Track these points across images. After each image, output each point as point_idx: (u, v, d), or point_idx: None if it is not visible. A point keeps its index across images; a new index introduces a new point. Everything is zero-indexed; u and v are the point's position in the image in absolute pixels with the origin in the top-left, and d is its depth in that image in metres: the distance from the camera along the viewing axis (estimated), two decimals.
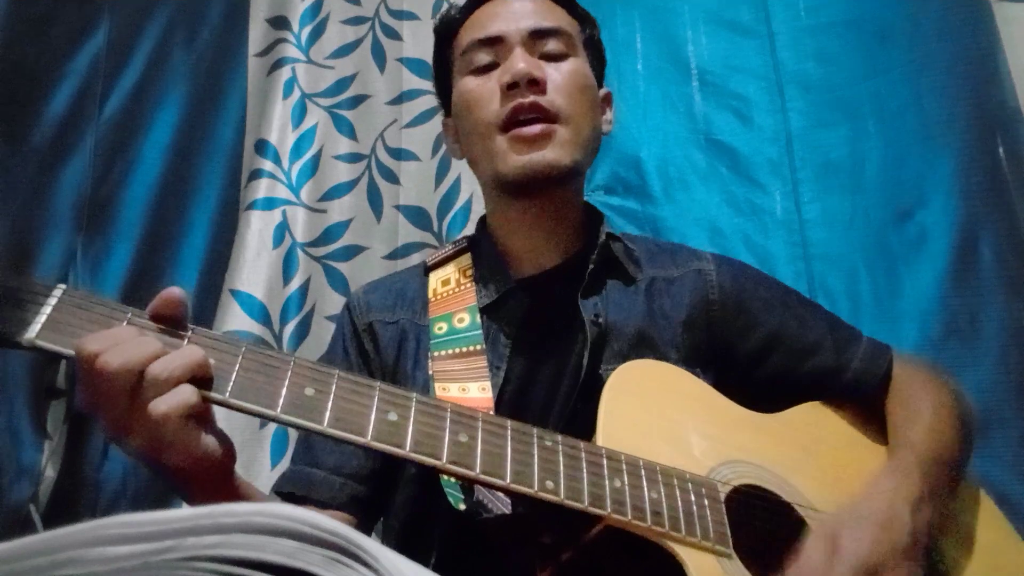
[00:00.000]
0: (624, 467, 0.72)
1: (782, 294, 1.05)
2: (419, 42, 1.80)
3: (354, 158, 1.75)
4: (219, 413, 0.67)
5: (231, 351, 0.65)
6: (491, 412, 0.86)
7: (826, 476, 0.86)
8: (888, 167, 1.54)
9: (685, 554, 0.70)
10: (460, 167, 1.71)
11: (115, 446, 0.69)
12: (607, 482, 0.70)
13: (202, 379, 0.63)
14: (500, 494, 0.79)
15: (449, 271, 1.04)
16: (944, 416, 0.92)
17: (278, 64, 1.79)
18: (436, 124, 1.74)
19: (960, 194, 1.46)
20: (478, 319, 0.96)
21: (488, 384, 0.90)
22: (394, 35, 1.83)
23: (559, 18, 1.02)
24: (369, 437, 0.65)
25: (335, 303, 1.62)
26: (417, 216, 1.71)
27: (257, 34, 1.81)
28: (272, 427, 1.52)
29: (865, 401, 0.98)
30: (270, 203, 1.68)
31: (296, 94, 1.77)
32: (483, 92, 0.97)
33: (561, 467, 0.70)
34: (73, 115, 1.68)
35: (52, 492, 1.45)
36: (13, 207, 1.55)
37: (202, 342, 0.65)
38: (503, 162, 0.95)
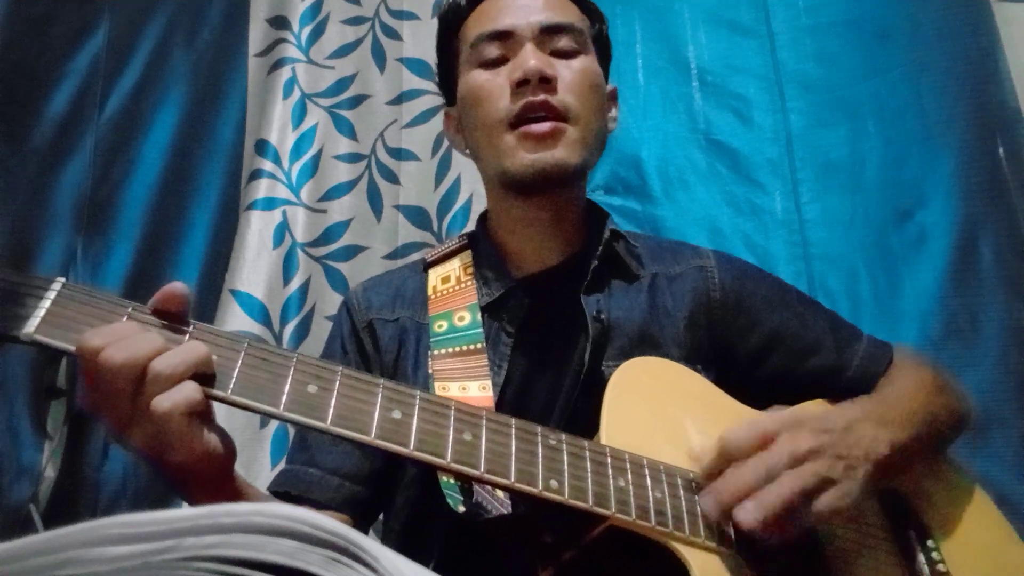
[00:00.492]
0: (628, 466, 0.72)
1: (783, 292, 1.04)
2: (419, 42, 1.80)
3: (354, 158, 1.75)
4: (219, 411, 0.66)
5: (233, 347, 0.65)
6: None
7: None
8: (888, 167, 1.54)
9: (688, 554, 0.69)
10: (460, 167, 1.71)
11: (116, 443, 0.69)
12: (611, 481, 0.70)
13: (204, 376, 0.63)
14: (499, 496, 0.79)
15: (449, 268, 1.03)
16: (922, 385, 0.93)
17: (278, 64, 1.79)
18: (436, 124, 1.74)
19: (960, 194, 1.46)
20: (479, 317, 0.95)
21: (488, 383, 0.89)
22: (394, 35, 1.83)
23: (570, 13, 1.01)
24: (372, 435, 0.64)
25: (335, 303, 1.62)
26: (417, 216, 1.71)
27: (257, 34, 1.81)
28: (272, 427, 1.52)
29: None
30: (270, 203, 1.68)
31: (296, 94, 1.77)
32: (492, 88, 0.95)
33: (565, 466, 0.69)
34: (73, 115, 1.68)
35: (52, 492, 1.45)
36: (13, 207, 1.55)
37: (204, 338, 0.65)
38: (510, 159, 0.93)
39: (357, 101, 1.79)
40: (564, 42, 0.97)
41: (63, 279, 0.63)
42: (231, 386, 0.63)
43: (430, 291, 1.01)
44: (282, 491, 0.93)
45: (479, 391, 0.88)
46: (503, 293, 0.97)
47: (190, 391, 0.61)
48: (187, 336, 0.65)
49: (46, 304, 0.62)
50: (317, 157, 1.73)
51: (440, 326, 0.96)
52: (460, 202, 1.70)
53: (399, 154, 1.76)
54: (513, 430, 0.70)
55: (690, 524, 0.71)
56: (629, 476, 0.71)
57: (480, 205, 1.59)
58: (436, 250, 1.07)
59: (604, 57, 1.06)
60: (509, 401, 0.91)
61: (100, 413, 0.63)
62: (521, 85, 0.93)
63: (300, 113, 1.76)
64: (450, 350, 0.93)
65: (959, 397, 0.96)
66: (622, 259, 1.00)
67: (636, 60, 1.71)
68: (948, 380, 0.98)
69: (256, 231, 1.65)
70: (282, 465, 0.99)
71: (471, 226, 1.19)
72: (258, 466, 1.49)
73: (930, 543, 0.85)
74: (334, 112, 1.78)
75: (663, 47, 1.71)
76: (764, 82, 1.65)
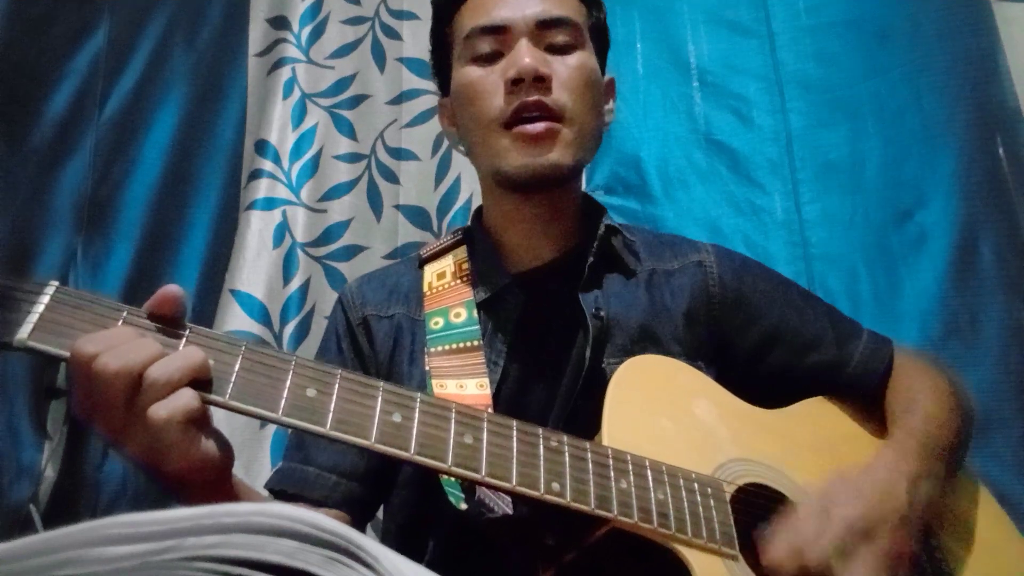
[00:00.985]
0: (630, 467, 0.72)
1: (783, 288, 1.04)
2: (419, 42, 1.80)
3: (354, 158, 1.75)
4: (218, 414, 0.65)
5: (230, 351, 0.64)
6: (489, 409, 0.85)
7: (830, 473, 0.86)
8: (888, 167, 1.54)
9: (691, 556, 0.69)
10: (460, 167, 1.71)
11: (112, 450, 0.68)
12: (613, 483, 0.70)
13: (201, 381, 0.62)
14: (502, 493, 0.79)
15: (444, 264, 1.02)
16: (942, 404, 0.92)
17: (278, 64, 1.79)
18: (436, 124, 1.73)
19: (960, 194, 1.46)
20: (475, 314, 0.94)
21: (486, 381, 0.88)
22: (394, 35, 1.83)
23: (567, 6, 0.97)
24: (372, 440, 0.63)
25: None
26: (417, 216, 1.71)
27: (257, 34, 1.81)
28: (272, 427, 1.51)
29: (867, 395, 0.97)
30: (270, 203, 1.68)
31: (296, 94, 1.77)
32: (486, 85, 0.93)
33: (567, 468, 0.69)
34: (73, 115, 1.68)
35: (52, 492, 1.45)
36: (13, 207, 1.55)
37: (201, 342, 0.64)
38: (504, 160, 0.92)
39: (357, 101, 1.79)
40: (560, 37, 0.95)
41: (56, 283, 0.62)
42: (228, 391, 0.62)
43: (425, 287, 1.00)
44: (278, 489, 0.92)
45: (476, 389, 0.88)
46: (499, 290, 0.96)
47: (188, 399, 0.60)
48: (183, 340, 0.63)
49: (39, 309, 0.60)
50: (317, 157, 1.73)
51: (436, 323, 0.95)
52: (460, 202, 1.70)
53: (399, 154, 1.76)
54: (515, 432, 0.69)
55: (693, 526, 0.71)
56: (631, 477, 0.71)
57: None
58: (431, 246, 1.06)
59: (602, 47, 1.04)
60: (506, 399, 0.90)
61: (94, 421, 0.61)
62: (515, 84, 0.91)
63: (300, 113, 1.76)
64: (447, 347, 0.92)
65: (967, 399, 0.96)
66: (618, 254, 0.99)
67: (636, 60, 1.71)
68: (956, 383, 0.97)
69: (256, 231, 1.64)
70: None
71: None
72: (258, 466, 1.49)
73: (933, 541, 0.85)
74: (334, 112, 1.78)
75: (663, 47, 1.71)
76: (764, 82, 1.65)
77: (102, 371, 0.59)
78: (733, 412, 0.88)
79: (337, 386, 0.65)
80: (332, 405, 0.64)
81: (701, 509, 0.73)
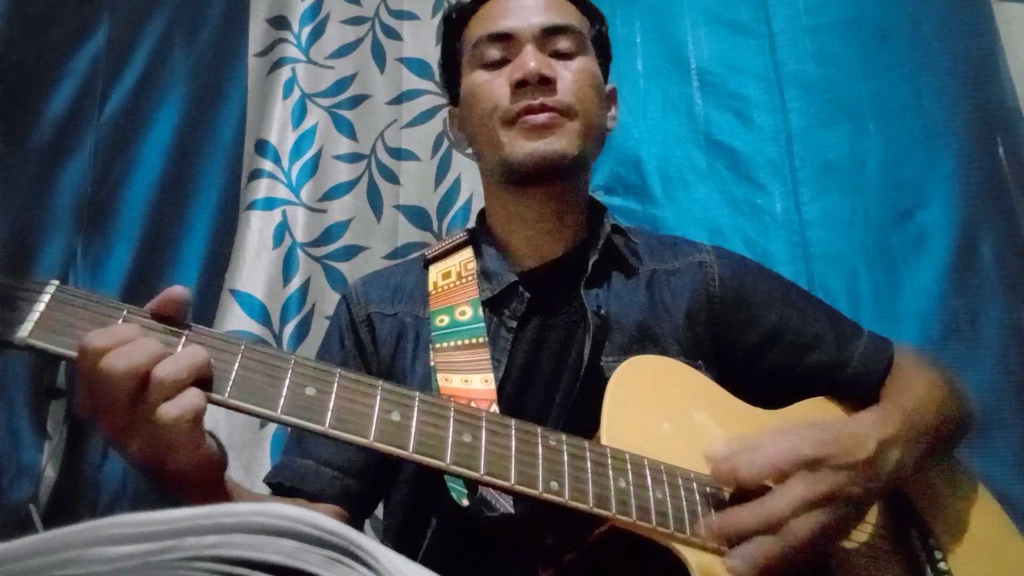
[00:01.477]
0: (629, 467, 0.72)
1: (783, 288, 1.04)
2: (419, 42, 1.80)
3: (354, 158, 1.75)
4: (219, 413, 0.66)
5: (230, 350, 0.64)
6: (493, 404, 0.86)
7: None
8: (888, 167, 1.54)
9: (689, 555, 0.69)
10: (460, 167, 1.71)
11: (113, 450, 0.68)
12: (611, 482, 0.70)
13: (202, 379, 0.62)
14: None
15: (449, 264, 1.03)
16: (935, 395, 0.92)
17: (278, 64, 1.79)
18: (436, 124, 1.74)
19: (960, 194, 1.46)
20: (480, 312, 0.96)
21: (491, 376, 0.89)
22: (394, 35, 1.83)
23: (570, 15, 1.02)
24: (371, 438, 0.64)
25: (335, 303, 1.61)
26: (417, 216, 1.71)
27: (257, 34, 1.81)
28: (272, 427, 1.52)
29: (867, 396, 0.97)
30: (270, 203, 1.68)
31: (296, 94, 1.77)
32: (493, 88, 0.97)
33: (566, 467, 0.69)
34: (73, 115, 1.68)
35: (52, 492, 1.46)
36: (13, 207, 1.56)
37: (201, 340, 0.64)
38: (510, 149, 0.94)
39: (357, 101, 1.79)
40: (564, 43, 0.99)
41: (57, 282, 0.62)
42: (228, 390, 0.62)
43: (431, 287, 1.02)
44: (275, 482, 0.93)
45: (481, 384, 0.88)
46: (504, 288, 0.98)
47: (195, 397, 0.61)
48: (183, 339, 0.64)
49: (40, 308, 0.60)
50: (317, 157, 1.74)
51: (442, 320, 0.96)
52: (460, 202, 1.70)
53: (399, 154, 1.76)
54: (513, 431, 0.69)
55: (691, 525, 0.71)
56: (630, 477, 0.71)
57: (480, 204, 1.59)
58: (436, 247, 1.07)
59: (604, 58, 1.07)
60: (509, 395, 0.91)
61: (97, 420, 0.62)
62: (520, 86, 0.94)
63: (300, 113, 1.76)
64: (453, 343, 0.93)
65: (966, 399, 0.96)
66: (621, 253, 1.01)
67: (636, 60, 1.71)
68: (955, 382, 0.97)
69: (256, 231, 1.65)
70: None
71: (471, 225, 1.19)
72: (258, 466, 1.49)
73: (932, 541, 0.85)
74: (334, 112, 1.78)
75: (663, 47, 1.71)
76: (764, 82, 1.65)
77: (109, 371, 0.59)
78: (732, 413, 0.88)
79: (336, 384, 0.65)
80: (331, 403, 0.64)
81: (699, 508, 0.73)
